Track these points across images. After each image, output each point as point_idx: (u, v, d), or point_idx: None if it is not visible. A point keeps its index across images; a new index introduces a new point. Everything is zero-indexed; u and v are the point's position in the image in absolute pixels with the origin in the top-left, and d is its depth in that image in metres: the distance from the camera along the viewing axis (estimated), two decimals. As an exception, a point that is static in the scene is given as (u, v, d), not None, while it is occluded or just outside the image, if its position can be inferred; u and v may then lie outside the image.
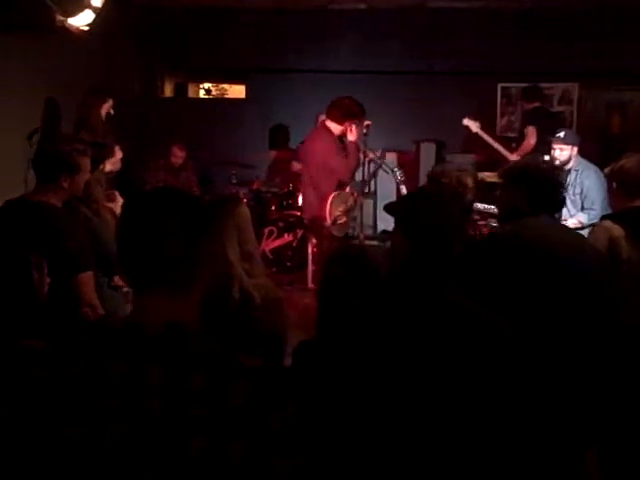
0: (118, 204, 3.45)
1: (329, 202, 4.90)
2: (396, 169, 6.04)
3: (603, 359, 2.31)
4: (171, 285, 1.19)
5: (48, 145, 2.95)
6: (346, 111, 4.86)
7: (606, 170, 2.94)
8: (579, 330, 2.29)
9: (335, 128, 4.88)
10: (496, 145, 6.01)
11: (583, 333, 2.29)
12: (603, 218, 2.93)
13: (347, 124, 4.87)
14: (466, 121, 6.03)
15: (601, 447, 2.53)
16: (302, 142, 5.45)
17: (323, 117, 5.08)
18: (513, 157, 5.83)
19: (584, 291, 2.32)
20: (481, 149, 6.31)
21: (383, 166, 6.00)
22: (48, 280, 2.60)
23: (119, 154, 5.13)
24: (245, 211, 2.28)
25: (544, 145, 5.51)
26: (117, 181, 4.86)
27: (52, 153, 2.85)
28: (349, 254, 2.07)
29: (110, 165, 4.95)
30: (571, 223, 4.48)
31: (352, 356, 1.61)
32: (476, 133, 6.03)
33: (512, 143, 6.19)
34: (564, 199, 2.60)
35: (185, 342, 1.16)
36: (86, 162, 2.88)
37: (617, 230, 2.63)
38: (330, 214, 5.01)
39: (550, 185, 2.46)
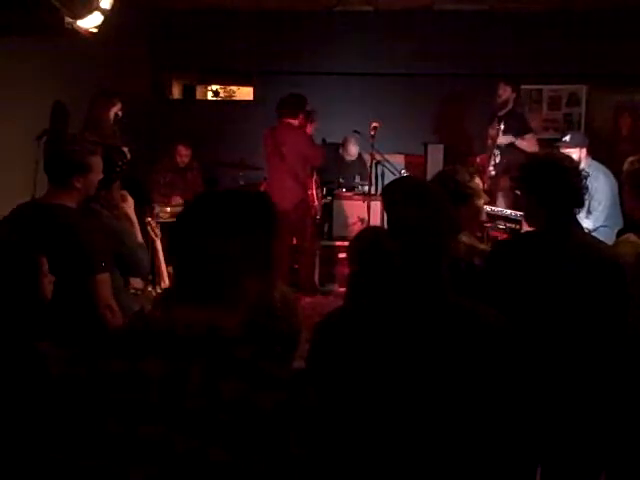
0: (129, 203, 3.44)
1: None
2: (403, 170, 6.06)
3: (612, 370, 2.29)
4: (218, 299, 1.17)
5: (59, 147, 2.93)
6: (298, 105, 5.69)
7: (625, 166, 2.74)
8: (580, 336, 2.27)
9: (293, 122, 5.67)
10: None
11: (586, 339, 2.28)
12: (624, 231, 2.76)
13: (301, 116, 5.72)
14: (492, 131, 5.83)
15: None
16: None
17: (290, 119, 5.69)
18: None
19: (585, 297, 2.27)
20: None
21: (389, 167, 6.02)
22: (52, 279, 2.59)
23: (127, 156, 5.14)
24: None
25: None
26: (124, 182, 4.87)
27: (64, 155, 2.83)
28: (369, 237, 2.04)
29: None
30: None
31: (352, 359, 1.61)
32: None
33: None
34: (578, 190, 2.37)
35: (224, 345, 1.14)
36: (98, 161, 2.88)
37: None
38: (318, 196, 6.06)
39: (561, 179, 2.33)
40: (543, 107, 7.39)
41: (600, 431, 2.32)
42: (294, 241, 6.00)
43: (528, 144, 5.60)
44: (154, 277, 4.86)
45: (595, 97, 7.22)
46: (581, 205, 2.41)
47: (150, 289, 5.04)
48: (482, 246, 2.67)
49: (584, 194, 2.40)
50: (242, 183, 6.63)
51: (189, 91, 8.77)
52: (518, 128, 5.72)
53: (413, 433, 1.57)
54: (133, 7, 6.03)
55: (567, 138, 4.81)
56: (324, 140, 6.84)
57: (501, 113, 5.76)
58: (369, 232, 2.23)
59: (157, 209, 5.92)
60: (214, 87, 9.52)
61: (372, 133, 5.78)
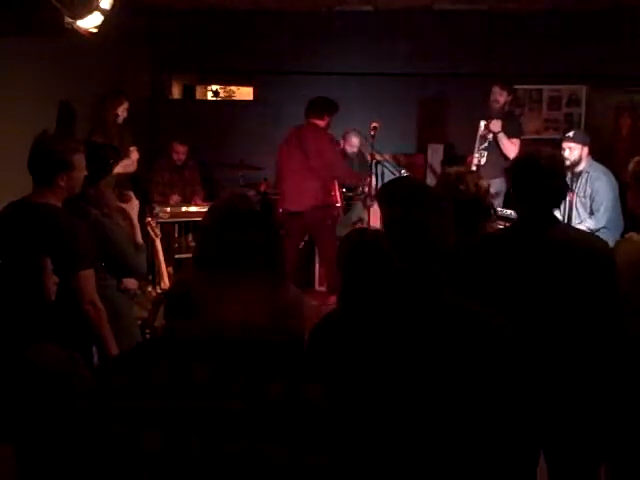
0: (132, 205, 3.44)
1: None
2: (403, 171, 6.05)
3: (606, 366, 2.28)
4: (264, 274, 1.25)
5: (40, 146, 2.93)
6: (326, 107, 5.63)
7: (630, 166, 2.76)
8: (569, 331, 2.28)
9: (319, 122, 5.58)
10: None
11: (578, 335, 2.28)
12: (628, 231, 2.77)
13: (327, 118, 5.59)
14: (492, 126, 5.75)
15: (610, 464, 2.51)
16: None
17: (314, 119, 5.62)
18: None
19: (557, 292, 2.28)
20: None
21: (390, 168, 6.03)
22: (56, 280, 2.61)
23: (135, 155, 5.14)
24: None
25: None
26: (127, 183, 4.86)
27: (45, 154, 2.84)
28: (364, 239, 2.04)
29: (123, 167, 4.95)
30: None
31: (353, 359, 1.61)
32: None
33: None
34: (554, 191, 2.38)
35: (265, 346, 1.15)
36: (80, 159, 2.87)
37: None
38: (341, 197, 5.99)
39: (535, 179, 2.33)
40: (543, 107, 7.39)
41: (598, 423, 2.32)
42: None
43: (510, 147, 5.59)
44: (154, 277, 4.86)
45: (595, 97, 7.21)
46: (557, 205, 2.43)
47: (150, 289, 5.04)
48: None
49: (563, 194, 2.43)
50: (242, 183, 6.63)
51: (189, 91, 8.77)
52: (512, 129, 5.72)
53: (413, 434, 1.57)
54: (133, 7, 6.02)
55: (571, 134, 4.86)
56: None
57: (498, 116, 5.76)
58: (366, 234, 2.23)
59: (157, 209, 5.93)
60: (214, 87, 9.51)
61: (372, 133, 5.77)
